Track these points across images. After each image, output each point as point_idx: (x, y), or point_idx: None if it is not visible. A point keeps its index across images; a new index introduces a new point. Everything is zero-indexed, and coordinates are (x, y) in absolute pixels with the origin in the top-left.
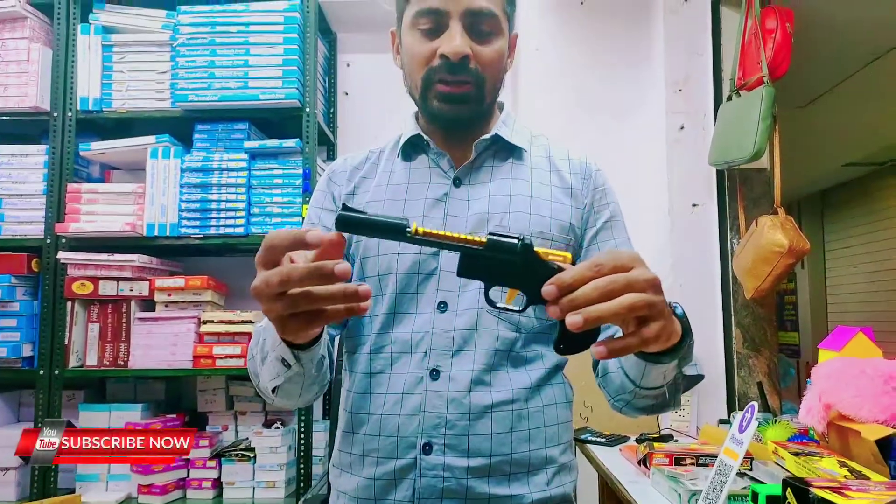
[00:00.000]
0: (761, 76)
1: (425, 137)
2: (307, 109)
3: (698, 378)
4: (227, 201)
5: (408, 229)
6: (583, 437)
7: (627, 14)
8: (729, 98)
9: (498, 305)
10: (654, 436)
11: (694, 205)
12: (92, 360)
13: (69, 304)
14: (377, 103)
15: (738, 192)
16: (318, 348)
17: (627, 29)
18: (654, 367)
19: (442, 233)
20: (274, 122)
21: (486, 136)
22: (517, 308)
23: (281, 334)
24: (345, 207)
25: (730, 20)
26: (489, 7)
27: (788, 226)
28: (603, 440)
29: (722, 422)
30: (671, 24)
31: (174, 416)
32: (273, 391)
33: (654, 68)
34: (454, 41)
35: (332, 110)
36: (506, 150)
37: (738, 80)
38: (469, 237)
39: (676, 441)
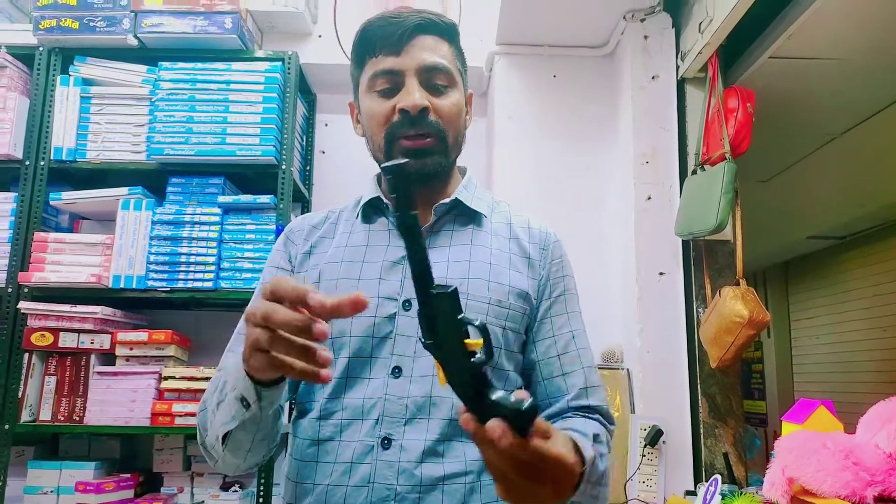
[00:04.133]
0: (723, 152)
1: (385, 200)
2: (283, 166)
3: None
4: (197, 255)
5: None
6: None
7: (597, 88)
8: (694, 172)
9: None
10: None
11: (661, 273)
12: (46, 415)
13: (26, 355)
14: (353, 162)
15: (704, 262)
16: (279, 392)
17: (597, 102)
18: None
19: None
20: (249, 177)
21: (446, 200)
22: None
23: (247, 364)
24: None
25: (694, 98)
26: (442, 62)
27: (749, 297)
28: None
29: (689, 493)
30: (639, 100)
31: (128, 475)
32: (224, 440)
33: (622, 140)
34: (412, 95)
35: (308, 168)
36: (466, 216)
37: (703, 156)
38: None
39: None
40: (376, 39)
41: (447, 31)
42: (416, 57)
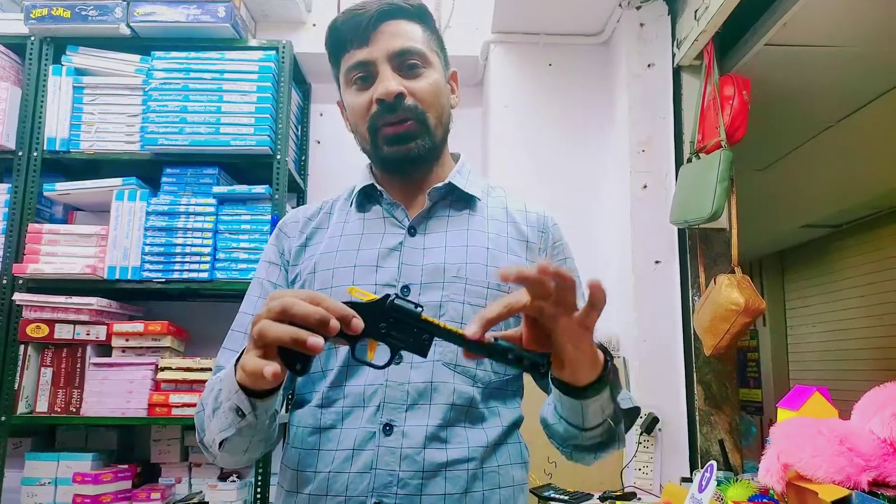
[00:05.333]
0: (719, 140)
1: (379, 188)
2: (278, 156)
3: (636, 410)
4: (192, 245)
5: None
6: (546, 493)
7: (593, 76)
8: (689, 160)
9: (359, 359)
10: (618, 493)
11: (657, 262)
12: (42, 407)
13: (22, 347)
14: (348, 152)
15: (699, 250)
16: (274, 398)
17: (593, 90)
18: (591, 404)
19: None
20: (244, 167)
21: (440, 184)
22: (379, 364)
23: (239, 375)
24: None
25: (690, 86)
26: (412, 45)
27: (745, 285)
28: (566, 497)
29: (685, 480)
30: (634, 88)
31: (126, 466)
32: (220, 445)
33: (618, 129)
34: (385, 83)
35: (303, 158)
36: (462, 201)
37: (698, 143)
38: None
39: (639, 499)
40: (344, 34)
41: (415, 14)
42: (385, 44)
